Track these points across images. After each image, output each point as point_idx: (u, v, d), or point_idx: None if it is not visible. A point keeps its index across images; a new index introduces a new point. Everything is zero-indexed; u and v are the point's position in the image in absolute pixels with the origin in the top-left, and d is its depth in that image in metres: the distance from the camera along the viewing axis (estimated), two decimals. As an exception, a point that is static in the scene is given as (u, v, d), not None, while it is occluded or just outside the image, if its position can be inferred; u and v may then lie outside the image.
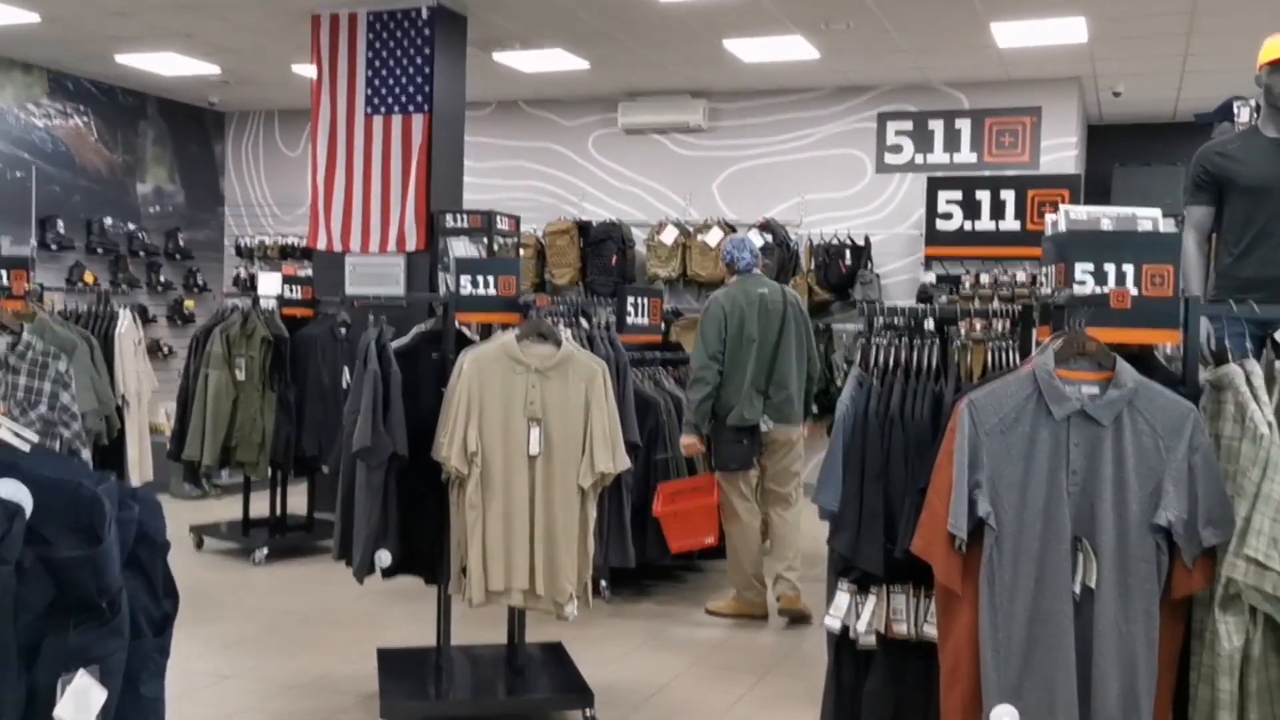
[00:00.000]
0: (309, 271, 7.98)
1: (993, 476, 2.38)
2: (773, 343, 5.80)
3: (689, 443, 5.74)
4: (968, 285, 5.92)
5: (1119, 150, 10.70)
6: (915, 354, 3.11)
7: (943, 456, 2.46)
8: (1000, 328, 3.89)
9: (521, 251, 10.16)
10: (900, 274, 9.74)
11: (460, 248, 6.17)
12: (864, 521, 2.93)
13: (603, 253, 10.11)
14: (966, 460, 2.37)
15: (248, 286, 10.84)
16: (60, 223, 10.23)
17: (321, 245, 7.95)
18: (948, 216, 4.57)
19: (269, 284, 7.11)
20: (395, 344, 4.41)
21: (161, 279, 11.29)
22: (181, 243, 11.52)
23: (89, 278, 10.47)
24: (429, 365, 4.36)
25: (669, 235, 9.99)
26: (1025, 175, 4.37)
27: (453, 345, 4.21)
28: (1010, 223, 4.46)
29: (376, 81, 7.78)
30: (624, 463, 3.96)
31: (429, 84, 7.66)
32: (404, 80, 7.71)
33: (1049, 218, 2.67)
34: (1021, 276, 5.78)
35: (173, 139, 11.63)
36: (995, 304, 4.91)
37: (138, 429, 5.64)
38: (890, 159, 9.84)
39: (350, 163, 7.89)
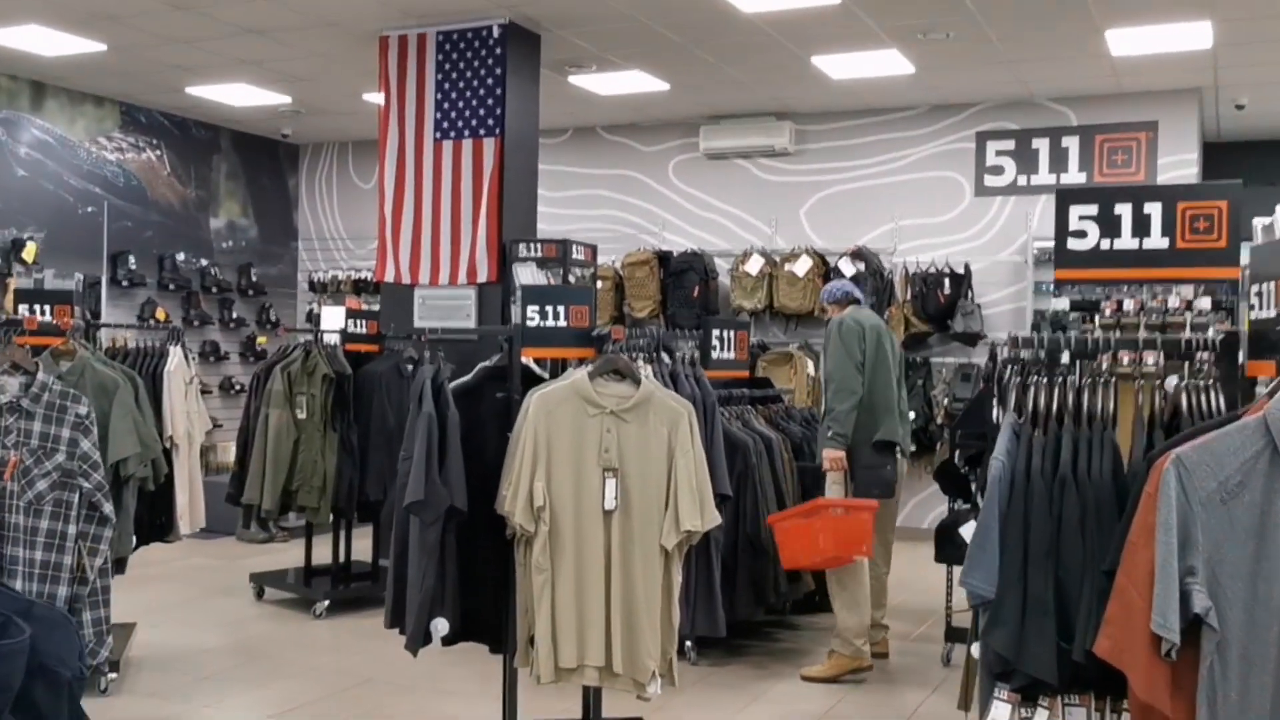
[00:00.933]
0: (376, 306, 7.60)
1: (1212, 560, 1.81)
2: (897, 374, 5.63)
3: (835, 456, 5.33)
4: (1108, 312, 5.29)
5: (1239, 169, 9.89)
6: (1085, 395, 2.53)
7: (1139, 531, 1.89)
8: (1154, 362, 3.28)
9: (599, 284, 9.73)
10: (1003, 304, 9.11)
11: (527, 274, 5.69)
12: (1029, 613, 2.34)
13: (684, 284, 9.62)
14: (1175, 538, 1.80)
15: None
16: (132, 258, 10.04)
17: (390, 277, 7.57)
18: (1081, 234, 3.96)
19: (332, 318, 6.73)
20: (456, 383, 3.95)
21: (234, 315, 11.07)
22: (254, 278, 11.30)
23: (161, 314, 10.26)
24: (493, 406, 3.87)
25: (754, 265, 9.47)
26: (1174, 185, 3.85)
27: (519, 384, 3.72)
28: (1157, 240, 3.84)
29: (446, 105, 7.41)
30: (713, 519, 3.43)
31: (500, 106, 7.25)
32: (474, 103, 7.32)
33: (1257, 222, 2.11)
34: (1175, 301, 5.14)
35: (246, 172, 11.44)
36: (1142, 333, 4.30)
37: (188, 473, 5.25)
38: (990, 181, 9.23)
39: (419, 190, 7.52)
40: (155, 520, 5.15)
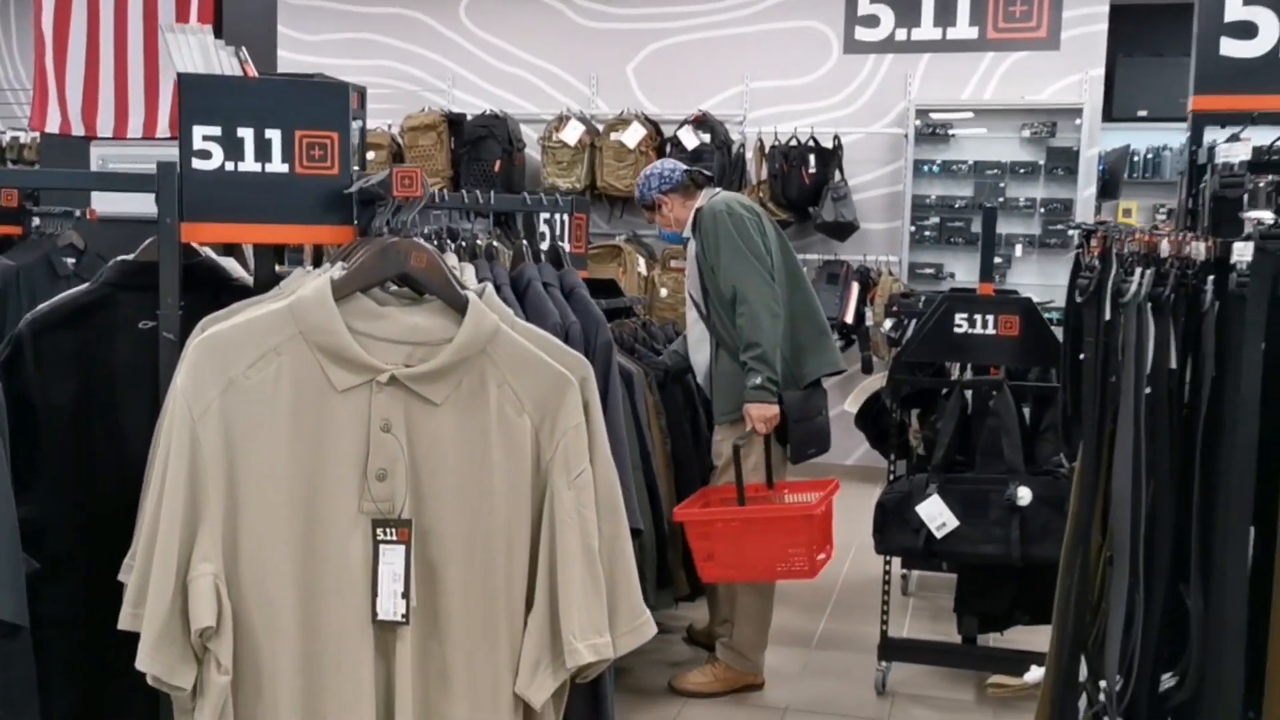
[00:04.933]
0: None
1: None
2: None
3: (769, 415, 3.59)
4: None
5: (1150, 35, 8.62)
6: None
7: None
8: None
9: (371, 155, 7.52)
10: (875, 188, 7.48)
11: (189, 54, 3.21)
12: None
13: (482, 155, 7.50)
14: None
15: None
16: None
17: (53, 127, 5.13)
18: (1247, 31, 2.14)
19: (-59, 183, 4.31)
20: (56, 300, 1.89)
21: None
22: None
23: None
24: (138, 346, 1.81)
25: (571, 133, 7.44)
26: None
27: (174, 304, 1.65)
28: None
29: None
30: (641, 628, 1.49)
31: (215, -128, 4.88)
32: None
33: None
34: None
35: (-122, -8, 8.43)
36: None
37: None
38: (863, 34, 7.48)
39: (95, 2, 5.08)
40: None
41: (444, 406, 1.38)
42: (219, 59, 2.84)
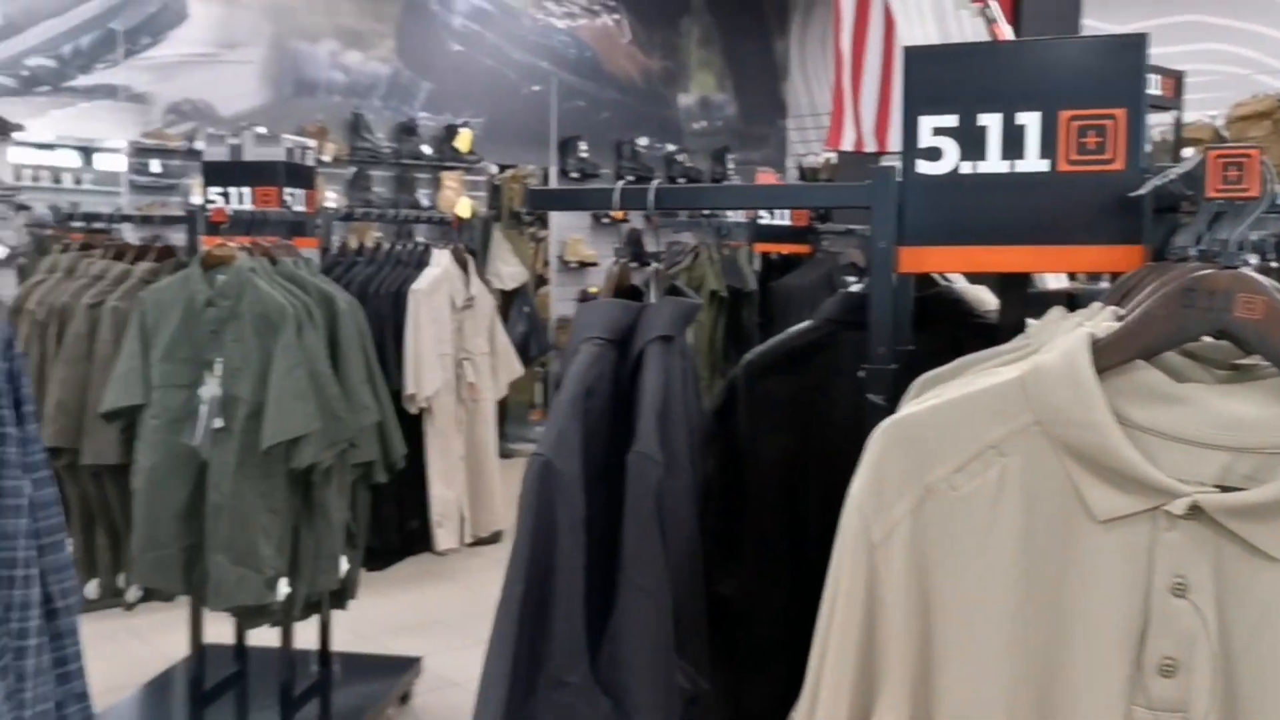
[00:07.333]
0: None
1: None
2: None
3: None
4: None
5: None
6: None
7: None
8: None
9: (1188, 151, 6.57)
10: None
11: (916, 13, 2.63)
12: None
13: (1332, 144, 6.12)
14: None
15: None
16: (583, 145, 8.52)
17: (847, 144, 5.16)
18: None
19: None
20: (774, 340, 1.63)
21: (706, 213, 9.26)
22: (731, 165, 9.38)
23: (616, 214, 8.70)
24: (855, 402, 1.44)
25: None
26: None
27: (889, 360, 1.24)
28: None
29: None
30: None
31: None
32: None
33: None
34: None
35: (722, 37, 9.48)
36: None
37: (457, 449, 3.32)
38: None
39: (890, 15, 4.98)
40: (405, 524, 3.28)
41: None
42: (956, 20, 2.40)
